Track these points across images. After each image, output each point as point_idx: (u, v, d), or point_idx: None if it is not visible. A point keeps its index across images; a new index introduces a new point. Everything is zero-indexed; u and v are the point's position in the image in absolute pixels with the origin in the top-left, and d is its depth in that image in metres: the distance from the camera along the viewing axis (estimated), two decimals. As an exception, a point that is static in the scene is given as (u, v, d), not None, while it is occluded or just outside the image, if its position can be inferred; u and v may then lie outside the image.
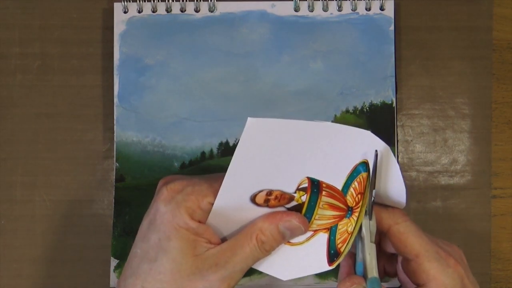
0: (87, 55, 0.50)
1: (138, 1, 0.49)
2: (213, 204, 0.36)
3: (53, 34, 0.50)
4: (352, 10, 0.49)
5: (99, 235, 0.49)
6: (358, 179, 0.37)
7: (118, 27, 0.49)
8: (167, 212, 0.35)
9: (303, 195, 0.37)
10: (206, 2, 0.49)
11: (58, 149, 0.50)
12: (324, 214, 0.38)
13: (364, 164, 0.37)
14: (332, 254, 0.38)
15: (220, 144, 0.49)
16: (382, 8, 0.49)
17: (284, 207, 0.37)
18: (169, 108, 0.49)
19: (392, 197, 0.38)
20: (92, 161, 0.50)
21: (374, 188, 0.36)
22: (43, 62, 0.50)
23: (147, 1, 0.49)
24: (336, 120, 0.49)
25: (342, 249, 0.37)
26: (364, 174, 0.37)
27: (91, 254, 0.49)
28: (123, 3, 0.49)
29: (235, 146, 0.49)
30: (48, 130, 0.50)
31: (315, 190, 0.37)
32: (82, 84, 0.50)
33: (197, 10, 0.50)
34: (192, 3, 0.50)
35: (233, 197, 0.36)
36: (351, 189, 0.38)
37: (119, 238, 0.48)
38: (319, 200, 0.37)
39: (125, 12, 0.49)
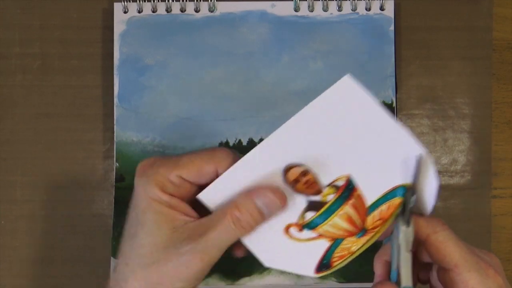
0: (87, 55, 0.50)
1: (138, 1, 0.49)
2: (182, 177, 0.35)
3: (53, 34, 0.50)
4: (352, 10, 0.49)
5: (99, 235, 0.49)
6: (389, 203, 0.36)
7: (118, 27, 0.49)
8: (140, 185, 0.35)
9: (331, 194, 0.35)
10: (206, 2, 0.49)
11: (58, 149, 0.50)
12: (338, 224, 0.36)
13: (404, 188, 0.36)
14: (323, 264, 0.37)
15: (220, 144, 0.49)
16: (382, 8, 0.49)
17: (307, 197, 0.35)
18: (169, 108, 0.49)
19: (420, 205, 0.37)
20: (92, 161, 0.50)
21: (414, 194, 0.35)
22: (43, 62, 0.50)
23: (147, 1, 0.49)
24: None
25: (335, 264, 0.36)
26: (397, 200, 0.36)
27: (91, 254, 0.49)
28: (123, 3, 0.49)
29: (235, 146, 0.49)
30: (48, 130, 0.50)
31: (345, 194, 0.35)
32: (82, 84, 0.50)
33: (197, 10, 0.50)
34: (192, 3, 0.50)
35: (264, 162, 0.34)
36: (377, 211, 0.36)
37: (119, 238, 0.48)
38: (342, 207, 0.36)
39: (125, 12, 0.49)
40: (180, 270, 0.34)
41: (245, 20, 0.50)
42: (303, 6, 0.49)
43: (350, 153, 0.35)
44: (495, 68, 0.51)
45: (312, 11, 0.50)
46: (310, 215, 0.35)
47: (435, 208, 0.50)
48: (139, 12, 0.49)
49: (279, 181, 0.35)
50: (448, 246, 0.35)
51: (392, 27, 0.49)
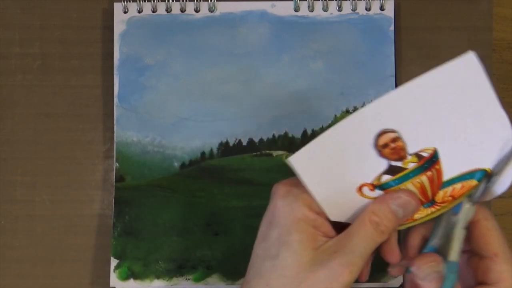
0: (87, 55, 0.50)
1: (138, 1, 0.49)
2: None
3: (53, 34, 0.50)
4: (352, 10, 0.49)
5: (99, 235, 0.49)
6: (464, 183, 0.37)
7: (118, 27, 0.49)
8: (285, 205, 0.35)
9: (413, 162, 0.36)
10: (206, 2, 0.49)
11: (58, 149, 0.50)
12: (409, 190, 0.37)
13: (483, 172, 0.36)
14: None
15: (220, 144, 0.49)
16: (382, 8, 0.49)
17: (388, 161, 0.36)
18: (169, 108, 0.49)
19: (491, 189, 0.38)
20: (92, 161, 0.50)
21: (492, 179, 0.36)
22: (43, 62, 0.50)
23: (147, 1, 0.49)
24: (336, 120, 0.49)
25: None
26: (473, 183, 0.37)
27: (91, 254, 0.49)
28: (123, 3, 0.49)
29: (235, 146, 0.49)
30: (48, 130, 0.50)
31: (426, 165, 0.36)
32: (82, 84, 0.50)
33: (197, 10, 0.50)
34: (192, 3, 0.50)
35: (357, 125, 0.35)
36: (450, 188, 0.37)
37: (119, 238, 0.48)
38: (419, 176, 0.36)
39: (125, 12, 0.49)
40: (331, 284, 0.34)
41: (245, 20, 0.50)
42: (303, 6, 0.49)
43: (445, 128, 0.35)
44: (495, 68, 0.51)
45: (312, 11, 0.50)
46: (385, 178, 0.36)
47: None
48: (139, 12, 0.49)
49: (368, 143, 0.35)
50: (493, 235, 0.37)
51: (392, 27, 0.49)
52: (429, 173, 0.36)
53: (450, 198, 0.37)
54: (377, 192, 0.37)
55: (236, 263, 0.48)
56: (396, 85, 0.49)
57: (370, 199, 0.37)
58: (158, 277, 0.48)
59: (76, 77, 0.50)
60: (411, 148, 0.36)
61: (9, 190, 0.50)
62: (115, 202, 0.48)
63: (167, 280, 0.48)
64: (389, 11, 0.49)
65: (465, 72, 0.34)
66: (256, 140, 0.49)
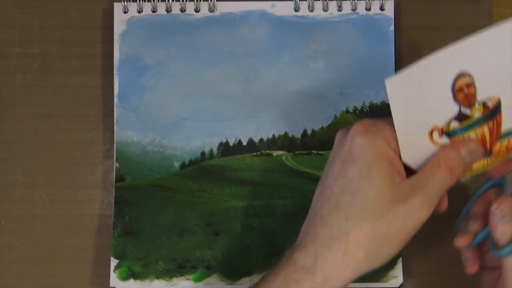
0: (87, 55, 0.50)
1: (138, 1, 0.49)
2: None
3: (53, 34, 0.50)
4: (352, 10, 0.49)
5: (99, 235, 0.49)
6: None
7: (118, 27, 0.49)
8: (365, 142, 0.36)
9: (479, 111, 0.38)
10: (206, 2, 0.49)
11: (58, 149, 0.50)
12: (471, 139, 0.38)
13: None
14: None
15: (220, 144, 0.49)
16: (382, 8, 0.49)
17: (459, 107, 0.37)
18: (169, 108, 0.49)
19: None
20: (92, 161, 0.50)
21: None
22: (43, 62, 0.50)
23: (147, 1, 0.49)
24: (336, 120, 0.49)
25: None
26: None
27: (91, 254, 0.49)
28: (123, 3, 0.49)
29: (235, 146, 0.49)
30: (48, 130, 0.50)
31: (490, 115, 0.38)
32: (82, 84, 0.50)
33: (197, 10, 0.50)
34: (192, 3, 0.50)
35: (444, 64, 0.36)
36: (507, 140, 0.39)
37: (119, 238, 0.48)
38: (482, 126, 0.38)
39: (125, 12, 0.49)
40: (408, 221, 0.35)
41: (245, 20, 0.50)
42: (303, 6, 0.49)
43: (510, 79, 0.37)
44: (495, 68, 0.51)
45: (312, 11, 0.50)
46: (453, 124, 0.38)
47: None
48: (139, 12, 0.49)
49: (447, 86, 0.37)
50: None
51: (392, 27, 0.49)
52: (490, 123, 0.38)
53: (505, 150, 0.39)
54: (444, 139, 0.38)
55: (236, 263, 0.48)
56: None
57: (436, 147, 0.38)
58: (158, 277, 0.48)
59: (76, 77, 0.50)
60: (480, 95, 0.37)
61: (9, 190, 0.50)
62: (115, 202, 0.48)
63: (167, 280, 0.48)
64: (389, 11, 0.49)
65: None
66: (256, 140, 0.49)
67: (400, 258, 0.48)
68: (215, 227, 0.48)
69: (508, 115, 0.38)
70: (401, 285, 0.48)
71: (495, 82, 0.37)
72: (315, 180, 0.49)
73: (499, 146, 0.39)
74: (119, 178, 0.48)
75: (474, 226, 0.40)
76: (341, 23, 0.49)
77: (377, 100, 0.49)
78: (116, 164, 0.49)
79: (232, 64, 0.49)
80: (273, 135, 0.49)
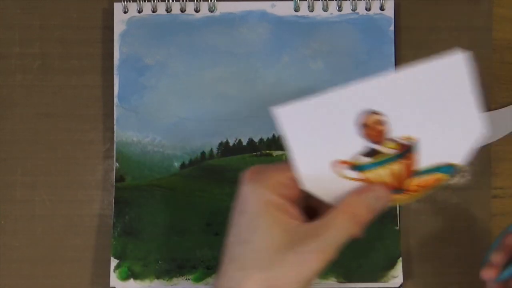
0: (87, 55, 0.50)
1: (138, 1, 0.49)
2: (293, 178, 0.36)
3: (53, 34, 0.50)
4: (352, 10, 0.49)
5: (99, 235, 0.49)
6: (434, 176, 0.38)
7: (118, 27, 0.49)
8: (252, 191, 0.36)
9: (392, 148, 0.37)
10: (206, 2, 0.49)
11: (58, 149, 0.50)
12: (383, 175, 0.38)
13: (451, 168, 0.38)
14: None
15: (220, 144, 0.49)
16: (382, 8, 0.49)
17: (367, 142, 0.37)
18: (169, 108, 0.49)
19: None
20: (92, 161, 0.50)
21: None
22: (43, 62, 0.50)
23: (147, 1, 0.49)
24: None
25: None
26: (441, 176, 0.38)
27: (91, 254, 0.49)
28: (123, 3, 0.49)
29: (235, 146, 0.49)
30: (48, 130, 0.50)
31: (403, 153, 0.37)
32: (82, 84, 0.50)
33: (197, 10, 0.50)
34: (192, 3, 0.50)
35: (345, 101, 0.36)
36: (420, 178, 0.38)
37: (119, 238, 0.48)
38: (395, 162, 0.37)
39: (125, 12, 0.49)
40: (299, 270, 0.34)
41: (245, 20, 0.50)
42: (303, 6, 0.49)
43: (425, 120, 0.37)
44: (495, 68, 0.51)
45: (312, 11, 0.50)
46: (362, 159, 0.37)
47: (435, 208, 0.50)
48: (139, 12, 0.49)
49: (351, 121, 0.36)
50: None
51: (392, 27, 0.49)
52: (405, 161, 0.37)
53: (419, 188, 0.38)
54: (352, 172, 0.37)
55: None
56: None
57: (343, 178, 0.37)
58: (158, 277, 0.48)
59: (76, 77, 0.50)
60: (393, 133, 0.37)
61: (9, 190, 0.50)
62: (115, 202, 0.48)
63: (167, 280, 0.48)
64: (389, 11, 0.49)
65: (453, 71, 0.36)
66: (256, 140, 0.49)
67: (400, 258, 0.48)
68: (215, 227, 0.48)
69: (424, 155, 0.37)
70: (401, 285, 0.48)
71: (411, 121, 0.37)
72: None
73: (412, 183, 0.38)
74: (119, 178, 0.49)
75: (503, 259, 0.39)
76: (341, 23, 0.49)
77: (377, 100, 0.49)
78: (116, 164, 0.49)
79: (232, 64, 0.49)
80: (273, 135, 0.49)
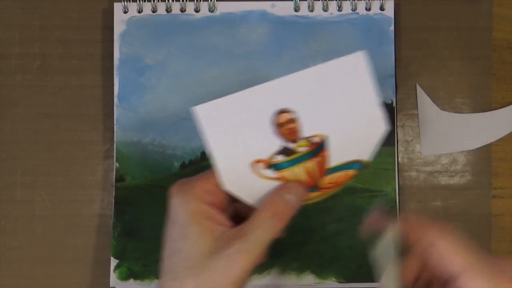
0: (87, 55, 0.50)
1: (138, 1, 0.49)
2: (218, 185, 0.38)
3: (53, 34, 0.50)
4: (352, 10, 0.49)
5: (99, 235, 0.49)
6: (345, 173, 0.40)
7: (118, 27, 0.49)
8: (179, 203, 0.37)
9: (305, 146, 0.38)
10: (206, 2, 0.49)
11: (58, 149, 0.50)
12: (299, 173, 0.39)
13: (360, 163, 0.39)
14: None
15: (220, 144, 0.49)
16: (382, 8, 0.49)
17: (282, 141, 0.38)
18: (169, 108, 0.49)
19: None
20: (92, 161, 0.50)
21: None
22: (43, 62, 0.50)
23: (147, 1, 0.49)
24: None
25: None
26: (351, 172, 0.40)
27: (91, 254, 0.49)
28: (123, 3, 0.49)
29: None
30: (48, 130, 0.50)
31: (316, 151, 0.39)
32: (82, 84, 0.50)
33: (197, 10, 0.50)
34: (192, 3, 0.50)
35: (260, 99, 0.37)
36: (333, 175, 0.40)
37: (119, 238, 0.48)
38: (309, 160, 0.39)
39: (125, 12, 0.49)
40: (228, 272, 0.35)
41: (245, 20, 0.50)
42: (303, 6, 0.49)
43: (334, 117, 0.38)
44: (495, 68, 0.51)
45: (312, 11, 0.50)
46: (278, 158, 0.38)
47: (435, 208, 0.50)
48: (139, 12, 0.49)
49: (266, 120, 0.37)
50: (454, 254, 0.34)
51: (392, 27, 0.49)
52: (317, 158, 0.39)
53: (332, 185, 0.40)
54: (269, 172, 0.39)
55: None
56: (396, 85, 0.49)
57: (262, 178, 0.38)
58: (158, 277, 0.48)
59: (76, 77, 0.50)
60: (304, 132, 0.38)
61: (9, 190, 0.50)
62: (115, 202, 0.48)
63: (167, 280, 0.48)
64: (389, 11, 0.49)
65: (354, 69, 0.37)
66: (256, 140, 0.49)
67: (400, 258, 0.48)
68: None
69: (333, 152, 0.39)
70: (401, 285, 0.48)
71: (320, 119, 0.38)
72: (315, 180, 0.49)
73: (326, 181, 0.40)
74: (119, 178, 0.48)
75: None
76: (341, 23, 0.49)
77: (377, 100, 0.49)
78: (116, 164, 0.49)
79: (232, 64, 0.49)
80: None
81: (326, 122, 0.38)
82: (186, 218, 0.37)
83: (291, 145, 0.38)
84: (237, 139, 0.38)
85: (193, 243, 0.36)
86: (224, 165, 0.38)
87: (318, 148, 0.39)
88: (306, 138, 0.38)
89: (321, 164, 0.39)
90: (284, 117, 0.38)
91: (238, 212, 0.40)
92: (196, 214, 0.37)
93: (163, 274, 0.37)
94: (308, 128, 0.38)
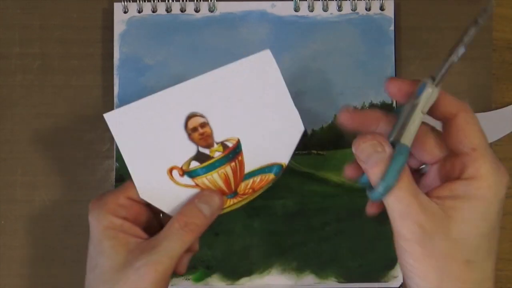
0: (87, 55, 0.50)
1: (138, 1, 0.49)
2: (130, 197, 0.38)
3: (53, 34, 0.50)
4: (352, 10, 0.49)
5: (99, 235, 0.49)
6: (263, 177, 0.39)
7: (118, 27, 0.49)
8: (93, 219, 0.38)
9: (219, 152, 0.38)
10: (206, 2, 0.49)
11: (58, 149, 0.50)
12: (215, 180, 0.39)
13: (279, 167, 0.39)
14: None
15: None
16: (382, 8, 0.49)
17: (197, 147, 0.38)
18: (169, 108, 0.49)
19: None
20: (92, 161, 0.50)
21: (464, 49, 0.33)
22: (43, 62, 0.50)
23: (147, 1, 0.49)
24: (336, 120, 0.49)
25: None
26: (271, 176, 0.39)
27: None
28: (123, 3, 0.49)
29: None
30: (48, 130, 0.50)
31: (230, 156, 0.38)
32: (82, 84, 0.50)
33: (197, 10, 0.50)
34: (192, 3, 0.50)
35: (171, 103, 0.37)
36: (251, 180, 0.39)
37: (119, 238, 0.48)
38: (224, 166, 0.38)
39: (125, 12, 0.49)
40: (139, 284, 0.35)
41: (245, 20, 0.50)
42: (303, 6, 0.49)
43: (247, 120, 0.37)
44: (495, 68, 0.51)
45: (312, 11, 0.50)
46: (194, 164, 0.38)
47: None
48: (139, 12, 0.49)
49: (179, 125, 0.37)
50: (473, 129, 0.33)
51: (392, 27, 0.49)
52: (233, 164, 0.38)
53: (250, 190, 0.39)
54: (186, 179, 0.38)
55: (236, 263, 0.48)
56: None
57: (180, 186, 0.38)
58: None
59: (76, 77, 0.50)
60: (218, 137, 0.38)
61: (9, 190, 0.50)
62: (115, 202, 0.48)
63: (167, 280, 0.48)
64: (389, 11, 0.49)
65: (262, 68, 0.37)
66: (256, 140, 0.49)
67: (400, 258, 0.48)
68: (215, 227, 0.48)
69: (250, 156, 0.38)
70: (401, 285, 0.48)
71: (232, 122, 0.37)
72: (315, 180, 0.49)
73: (244, 186, 0.39)
74: (119, 178, 0.48)
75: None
76: (341, 23, 0.49)
77: (377, 100, 0.49)
78: (116, 164, 0.49)
79: (232, 64, 0.49)
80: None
81: (238, 125, 0.37)
82: (99, 233, 0.37)
83: (205, 151, 0.38)
84: (151, 145, 0.37)
85: (107, 257, 0.36)
86: (140, 173, 0.37)
87: (232, 153, 0.38)
88: (220, 142, 0.38)
89: (238, 169, 0.39)
90: (196, 121, 0.37)
91: (162, 223, 0.40)
92: (109, 228, 0.37)
93: (84, 286, 0.38)
94: (221, 132, 0.38)
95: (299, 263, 0.48)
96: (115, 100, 0.49)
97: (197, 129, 0.37)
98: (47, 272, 0.49)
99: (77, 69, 0.50)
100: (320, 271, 0.48)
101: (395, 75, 0.49)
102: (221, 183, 0.39)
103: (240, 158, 0.38)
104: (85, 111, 0.50)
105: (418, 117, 0.33)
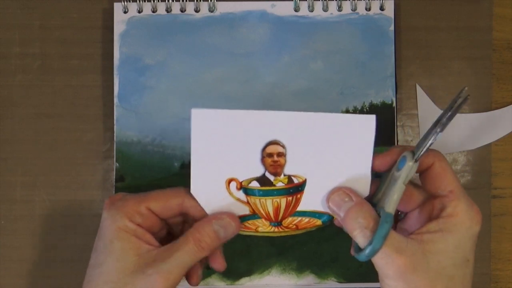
0: (87, 55, 0.50)
1: (138, 1, 0.49)
2: (150, 209, 0.39)
3: (53, 34, 0.50)
4: (352, 10, 0.49)
5: (99, 235, 0.49)
6: (311, 220, 0.41)
7: (118, 27, 0.49)
8: (108, 217, 0.38)
9: (282, 183, 0.39)
10: (206, 2, 0.49)
11: (58, 149, 0.50)
12: (266, 205, 0.40)
13: (331, 218, 0.40)
14: None
15: (220, 144, 0.49)
16: (382, 8, 0.49)
17: (264, 171, 0.39)
18: (169, 108, 0.49)
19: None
20: (92, 161, 0.50)
21: (441, 132, 0.36)
22: (43, 62, 0.50)
23: (147, 1, 0.49)
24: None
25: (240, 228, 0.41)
26: (317, 222, 0.40)
27: (91, 254, 0.49)
28: (123, 3, 0.49)
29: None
30: (48, 130, 0.50)
31: (292, 190, 0.39)
32: (82, 84, 0.50)
33: (197, 10, 0.50)
34: (192, 3, 0.50)
35: (257, 125, 0.38)
36: (299, 218, 0.40)
37: (119, 238, 0.48)
38: (280, 197, 0.39)
39: (125, 12, 0.49)
40: None
41: (245, 20, 0.50)
42: (303, 6, 0.49)
43: (321, 167, 0.38)
44: (495, 68, 0.51)
45: (312, 11, 0.50)
46: (255, 184, 0.39)
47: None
48: (139, 12, 0.49)
49: (257, 145, 0.38)
50: (448, 174, 0.38)
51: (392, 27, 0.49)
52: (290, 198, 0.39)
53: (294, 226, 0.41)
54: (240, 194, 0.39)
55: (236, 263, 0.48)
56: (396, 85, 0.49)
57: (232, 197, 0.39)
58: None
59: (76, 77, 0.50)
60: (288, 169, 0.39)
61: (9, 190, 0.50)
62: (115, 202, 0.48)
63: (167, 280, 0.48)
64: (389, 11, 0.49)
65: (361, 129, 0.37)
66: (256, 140, 0.49)
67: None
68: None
69: (307, 197, 0.39)
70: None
71: (308, 162, 0.38)
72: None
73: (290, 220, 0.40)
74: (119, 178, 0.48)
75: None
76: (341, 23, 0.49)
77: (377, 100, 0.49)
78: (116, 164, 0.49)
79: (232, 64, 0.49)
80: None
81: (311, 167, 0.38)
82: (112, 232, 0.37)
83: (270, 177, 0.39)
84: (222, 153, 0.38)
85: (116, 258, 0.37)
86: (200, 172, 0.38)
87: (293, 189, 0.39)
88: (287, 175, 0.39)
89: (292, 204, 0.40)
90: (275, 148, 0.38)
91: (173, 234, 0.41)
92: (123, 230, 0.37)
93: (84, 284, 0.38)
94: (293, 167, 0.38)
95: (299, 263, 0.48)
96: (115, 100, 0.49)
97: (272, 156, 0.38)
98: (47, 272, 0.49)
99: (77, 69, 0.50)
100: (320, 271, 0.48)
101: (395, 75, 0.49)
102: (270, 210, 0.40)
103: (299, 196, 0.39)
104: (85, 111, 0.50)
105: (400, 188, 0.37)
